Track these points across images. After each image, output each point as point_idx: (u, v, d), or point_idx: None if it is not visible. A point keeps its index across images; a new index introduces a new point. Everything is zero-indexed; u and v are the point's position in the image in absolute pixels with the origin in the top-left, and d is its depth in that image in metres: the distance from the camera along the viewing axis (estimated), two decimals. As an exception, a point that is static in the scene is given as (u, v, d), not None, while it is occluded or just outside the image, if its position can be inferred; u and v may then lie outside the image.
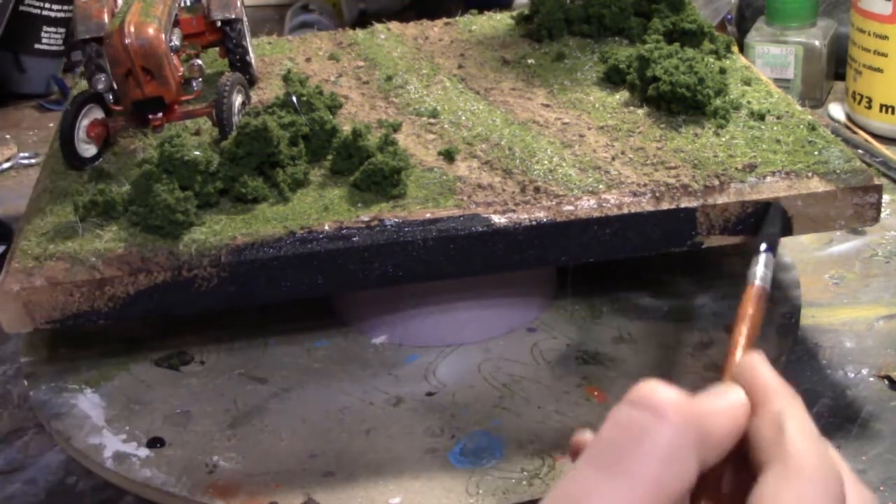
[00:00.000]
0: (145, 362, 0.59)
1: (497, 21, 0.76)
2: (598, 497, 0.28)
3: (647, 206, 0.51)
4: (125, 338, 0.60)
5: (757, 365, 0.33)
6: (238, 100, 0.59)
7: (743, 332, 0.36)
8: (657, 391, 0.30)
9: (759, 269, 0.41)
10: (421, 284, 0.54)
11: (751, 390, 0.32)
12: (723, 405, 0.31)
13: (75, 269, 0.50)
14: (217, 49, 0.67)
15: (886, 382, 0.58)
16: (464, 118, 0.61)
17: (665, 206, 0.51)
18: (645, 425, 0.29)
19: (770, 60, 0.90)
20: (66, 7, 1.05)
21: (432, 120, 0.61)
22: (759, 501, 0.29)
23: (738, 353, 0.35)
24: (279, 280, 0.50)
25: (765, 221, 0.49)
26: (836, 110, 0.90)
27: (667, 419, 0.29)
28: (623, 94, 0.62)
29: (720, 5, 1.02)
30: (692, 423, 0.29)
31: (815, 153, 0.54)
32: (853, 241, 0.71)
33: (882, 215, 0.54)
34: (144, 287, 0.50)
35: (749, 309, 0.38)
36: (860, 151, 0.83)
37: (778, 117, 0.58)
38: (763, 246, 0.44)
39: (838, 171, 0.53)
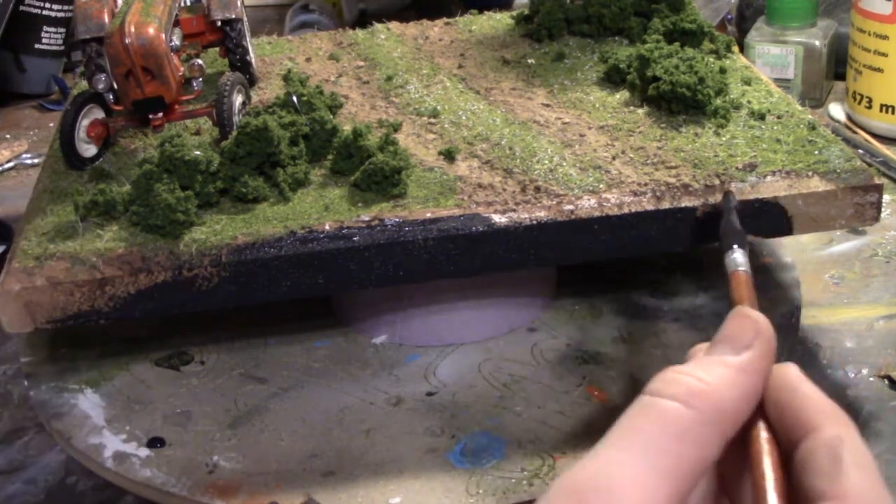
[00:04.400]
0: (145, 362, 0.59)
1: (497, 21, 0.76)
2: (621, 473, 0.28)
3: (647, 205, 0.51)
4: (125, 338, 0.60)
5: (799, 381, 0.31)
6: (238, 100, 0.59)
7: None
8: (673, 379, 0.30)
9: (739, 257, 0.40)
10: (421, 284, 0.54)
11: (801, 411, 0.31)
12: (732, 375, 0.30)
13: (76, 268, 0.50)
14: (217, 49, 0.67)
15: (886, 382, 0.58)
16: (464, 118, 0.61)
17: (665, 205, 0.51)
18: (666, 410, 0.29)
19: (770, 60, 0.90)
20: (66, 7, 1.05)
21: (432, 120, 0.61)
22: None
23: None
24: (279, 280, 0.50)
25: (723, 219, 0.47)
26: (837, 110, 0.90)
27: (685, 403, 0.29)
28: (623, 94, 0.62)
29: (720, 5, 1.02)
30: (711, 404, 0.29)
31: (816, 153, 0.54)
32: (853, 241, 0.71)
33: (882, 215, 0.54)
34: (145, 287, 0.50)
35: (746, 292, 0.37)
36: (860, 151, 0.83)
37: (778, 117, 0.58)
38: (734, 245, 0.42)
39: (838, 171, 0.53)
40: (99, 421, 0.54)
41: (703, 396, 0.29)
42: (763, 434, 0.31)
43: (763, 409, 0.31)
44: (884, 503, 0.28)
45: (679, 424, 0.29)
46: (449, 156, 0.56)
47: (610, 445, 0.29)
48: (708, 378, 0.30)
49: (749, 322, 0.32)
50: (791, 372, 0.32)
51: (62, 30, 1.06)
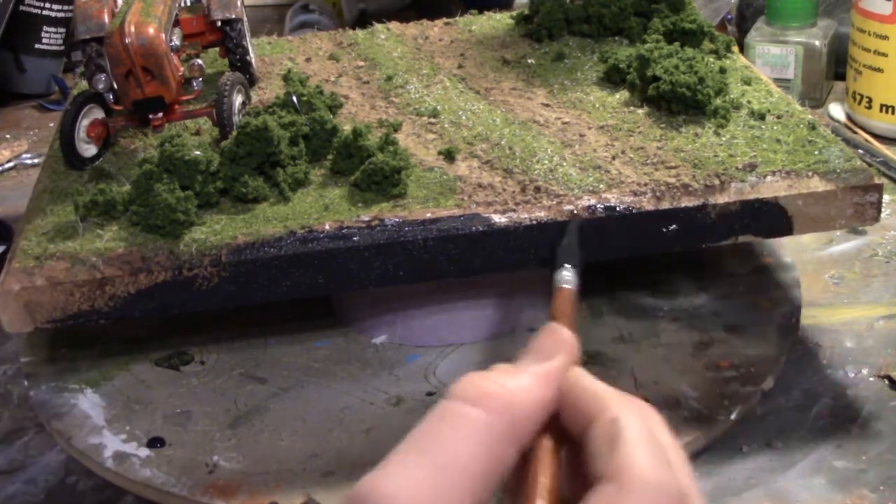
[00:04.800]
0: (145, 362, 0.59)
1: (497, 21, 0.76)
2: (410, 479, 0.28)
3: (647, 205, 0.51)
4: (125, 338, 0.60)
5: (581, 377, 0.32)
6: (238, 100, 0.59)
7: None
8: (471, 383, 0.30)
9: (567, 275, 0.41)
10: (421, 284, 0.54)
11: (582, 403, 0.31)
12: (529, 382, 0.31)
13: (76, 268, 0.50)
14: (217, 49, 0.67)
15: (886, 382, 0.58)
16: (464, 118, 0.61)
17: (665, 205, 0.51)
18: (460, 413, 0.29)
19: (770, 60, 0.90)
20: (66, 7, 1.05)
21: (432, 120, 0.61)
22: None
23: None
24: (280, 280, 0.50)
25: (563, 241, 0.49)
26: (836, 110, 0.90)
27: (480, 406, 0.29)
28: (623, 94, 0.62)
29: (720, 5, 1.02)
30: (506, 409, 0.29)
31: (816, 152, 0.54)
32: (853, 241, 0.71)
33: (882, 215, 0.54)
34: (145, 287, 0.50)
35: (565, 308, 0.38)
36: (860, 151, 0.83)
37: (778, 117, 0.58)
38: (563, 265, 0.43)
39: (838, 171, 0.53)
40: (99, 421, 0.54)
41: (499, 401, 0.30)
42: (546, 443, 0.31)
43: (557, 417, 0.32)
44: (662, 479, 0.28)
45: (473, 428, 0.29)
46: (449, 156, 0.56)
47: (402, 451, 0.29)
48: (506, 384, 0.30)
49: (554, 337, 0.33)
50: (575, 372, 0.32)
51: (62, 30, 1.06)
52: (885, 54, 0.84)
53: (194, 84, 0.59)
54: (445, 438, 0.29)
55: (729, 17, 1.04)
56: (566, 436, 0.32)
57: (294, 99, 0.58)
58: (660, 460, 0.29)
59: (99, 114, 0.59)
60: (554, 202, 0.51)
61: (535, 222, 0.51)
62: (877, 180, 0.52)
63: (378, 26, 0.76)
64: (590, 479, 0.29)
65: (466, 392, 0.30)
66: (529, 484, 0.29)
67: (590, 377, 0.32)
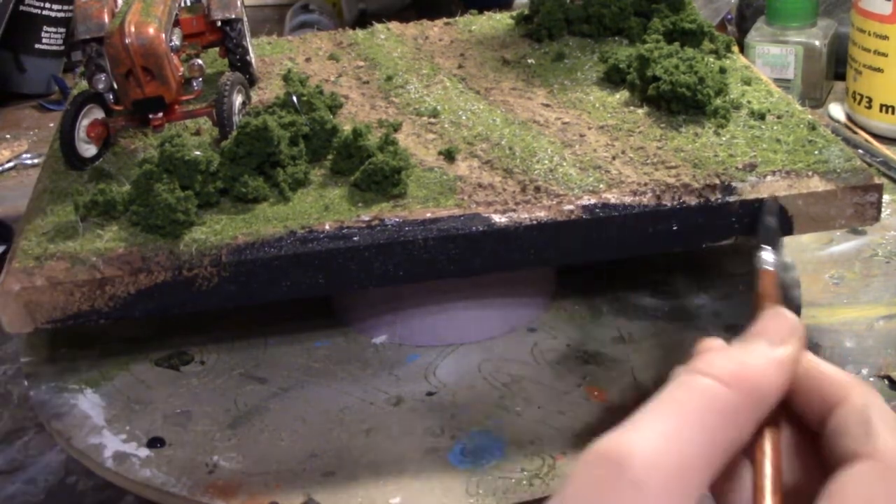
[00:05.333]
0: (145, 362, 0.59)
1: (497, 21, 0.76)
2: (658, 440, 0.28)
3: (647, 205, 0.51)
4: (125, 338, 0.60)
5: (819, 362, 0.33)
6: (238, 100, 0.59)
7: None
8: (715, 358, 0.31)
9: (769, 256, 0.41)
10: (421, 284, 0.54)
11: (826, 387, 0.32)
12: (769, 365, 0.31)
13: (76, 268, 0.50)
14: (217, 49, 0.67)
15: (886, 382, 0.58)
16: (464, 118, 0.61)
17: (666, 205, 0.51)
18: (704, 385, 0.30)
19: (770, 60, 0.90)
20: (66, 7, 1.05)
21: (432, 120, 0.61)
22: (844, 495, 0.29)
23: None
24: (280, 279, 0.50)
25: (760, 220, 0.49)
26: (836, 110, 0.90)
27: (723, 382, 0.30)
28: (623, 94, 0.62)
29: (720, 5, 1.02)
30: (753, 389, 0.30)
31: (816, 152, 0.54)
32: (853, 241, 0.71)
33: (882, 215, 0.54)
34: (145, 287, 0.50)
35: (771, 290, 0.38)
36: (860, 151, 0.83)
37: (778, 117, 0.58)
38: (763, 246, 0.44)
39: (838, 171, 0.53)
40: (99, 421, 0.54)
41: (746, 380, 0.30)
42: (771, 430, 0.32)
43: (783, 404, 0.32)
44: None
45: (720, 403, 0.29)
46: (449, 156, 0.56)
47: (648, 414, 0.29)
48: (751, 363, 0.31)
49: (786, 321, 0.34)
50: (808, 357, 0.33)
51: (62, 30, 1.06)
52: (885, 54, 0.84)
53: (194, 84, 0.59)
54: (689, 407, 0.29)
55: (729, 17, 1.04)
56: (790, 421, 0.33)
57: (294, 99, 0.58)
58: None
59: (99, 114, 0.59)
60: (554, 202, 0.51)
61: (535, 222, 0.51)
62: (877, 180, 0.52)
63: (378, 26, 0.76)
64: (838, 456, 0.30)
65: (711, 366, 0.30)
66: (757, 474, 0.31)
67: (826, 363, 0.33)
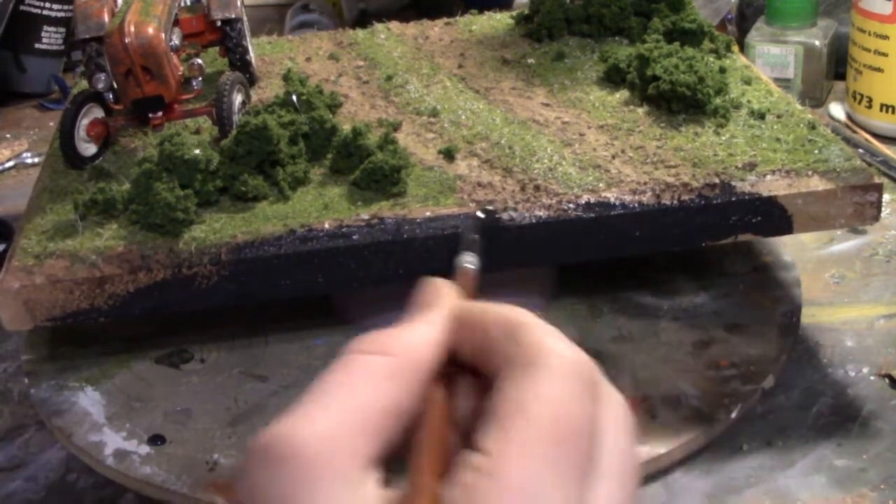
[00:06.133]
0: (146, 360, 0.59)
1: (497, 21, 0.76)
2: (311, 426, 0.28)
3: (647, 204, 0.51)
4: (125, 336, 0.60)
5: (466, 306, 0.33)
6: (238, 99, 0.59)
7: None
8: (366, 337, 0.31)
9: (468, 258, 0.42)
10: (421, 283, 0.54)
11: (474, 323, 0.32)
12: (419, 327, 0.32)
13: (75, 267, 0.50)
14: (217, 48, 0.67)
15: (887, 381, 0.58)
16: (464, 117, 0.61)
17: (665, 204, 0.51)
18: (359, 360, 0.31)
19: (770, 60, 0.90)
20: (66, 7, 1.05)
21: (432, 119, 0.61)
22: (504, 404, 0.28)
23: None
24: (279, 278, 0.50)
25: (464, 234, 0.49)
26: (837, 110, 0.90)
27: (377, 353, 0.31)
28: (623, 93, 0.62)
29: (720, 5, 1.02)
30: (403, 351, 0.31)
31: (815, 152, 0.54)
32: (854, 240, 0.71)
33: (882, 214, 0.54)
34: (144, 285, 0.50)
35: (466, 286, 0.39)
36: (860, 151, 0.83)
37: (778, 116, 0.58)
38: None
39: (838, 170, 0.53)
40: (99, 418, 0.54)
41: (394, 345, 0.31)
42: (437, 394, 0.31)
43: (457, 357, 0.32)
44: (571, 351, 0.29)
45: (373, 370, 0.30)
46: (448, 155, 0.56)
47: (307, 400, 0.29)
48: (400, 333, 0.32)
49: (431, 287, 0.35)
50: (474, 311, 0.33)
51: (62, 30, 1.06)
52: (885, 54, 0.84)
53: (194, 83, 0.59)
54: (347, 383, 0.30)
55: (729, 16, 1.04)
56: (467, 373, 0.32)
57: (294, 98, 0.58)
58: (565, 342, 0.30)
59: (99, 113, 0.59)
60: (553, 201, 0.51)
61: (534, 221, 0.51)
62: (877, 180, 0.52)
63: (378, 26, 0.76)
64: (491, 379, 0.30)
65: (363, 344, 0.31)
66: (415, 451, 0.30)
67: (476, 304, 0.33)
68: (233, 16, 0.64)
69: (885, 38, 0.83)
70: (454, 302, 0.34)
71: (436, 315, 0.33)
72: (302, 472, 0.27)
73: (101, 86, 0.57)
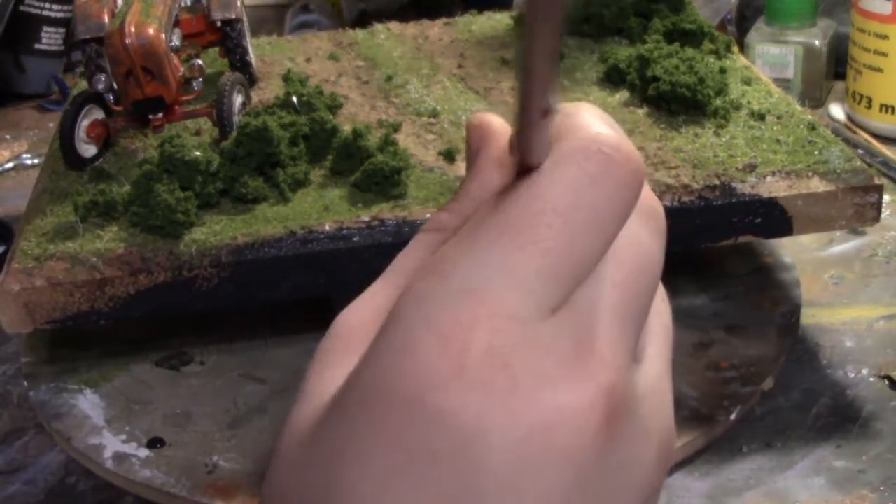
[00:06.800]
0: (145, 363, 0.59)
1: (497, 21, 0.76)
2: (366, 302, 0.30)
3: (647, 206, 0.51)
4: (125, 338, 0.60)
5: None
6: (238, 100, 0.59)
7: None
8: (434, 214, 0.31)
9: None
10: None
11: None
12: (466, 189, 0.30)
13: (75, 269, 0.50)
14: (217, 49, 0.67)
15: (887, 382, 0.58)
16: (464, 118, 0.61)
17: (665, 205, 0.51)
18: (424, 238, 0.31)
19: (770, 60, 0.90)
20: (66, 7, 1.05)
21: (432, 120, 0.61)
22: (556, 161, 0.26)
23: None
24: (279, 280, 0.50)
25: None
26: (836, 110, 0.90)
27: (432, 230, 0.30)
28: (623, 94, 0.62)
29: (720, 5, 1.02)
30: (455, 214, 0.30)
31: (816, 153, 0.54)
32: (853, 241, 0.71)
33: (882, 215, 0.54)
34: (145, 287, 0.50)
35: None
36: (860, 151, 0.83)
37: (778, 117, 0.58)
38: None
39: (839, 171, 0.53)
40: (99, 421, 0.54)
41: (452, 221, 0.30)
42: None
43: None
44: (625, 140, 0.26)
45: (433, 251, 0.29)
46: (449, 156, 0.56)
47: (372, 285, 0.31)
48: (454, 204, 0.30)
49: (474, 129, 0.31)
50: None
51: (62, 30, 1.06)
52: (885, 54, 0.84)
53: (194, 84, 0.59)
54: (406, 259, 0.31)
55: (729, 17, 1.04)
56: None
57: (294, 99, 0.58)
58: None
59: (99, 114, 0.59)
60: (554, 202, 0.51)
61: (534, 222, 0.51)
62: (877, 181, 0.52)
63: (378, 26, 0.76)
64: None
65: (426, 225, 0.30)
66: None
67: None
68: (233, 16, 0.63)
69: (885, 38, 0.83)
70: (497, 142, 0.30)
71: (479, 168, 0.30)
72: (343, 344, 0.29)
73: (101, 87, 0.57)
